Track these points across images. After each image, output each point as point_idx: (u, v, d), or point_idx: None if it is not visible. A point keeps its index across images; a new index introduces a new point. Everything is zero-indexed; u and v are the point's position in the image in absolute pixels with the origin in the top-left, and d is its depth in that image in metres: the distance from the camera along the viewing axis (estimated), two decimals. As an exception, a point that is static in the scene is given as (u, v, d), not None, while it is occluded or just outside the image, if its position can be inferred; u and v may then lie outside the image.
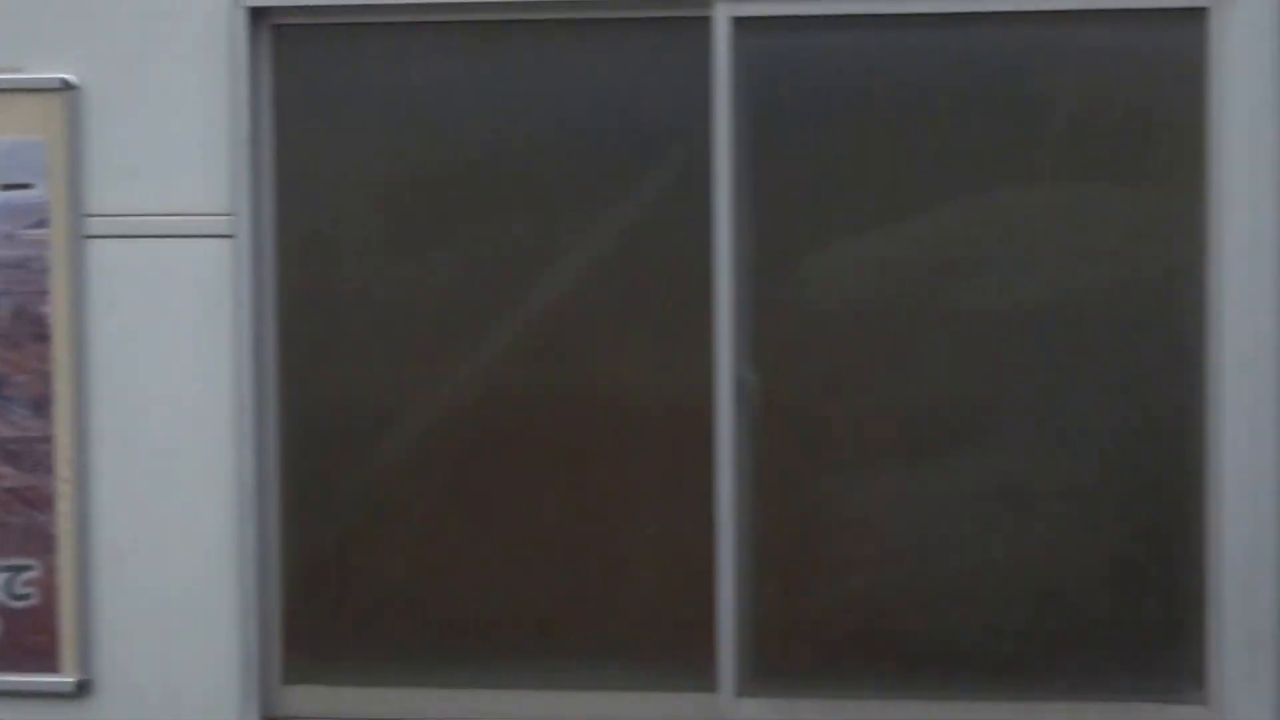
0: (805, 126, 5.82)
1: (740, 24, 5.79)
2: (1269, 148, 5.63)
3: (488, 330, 5.92)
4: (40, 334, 5.95)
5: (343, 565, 6.01)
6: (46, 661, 6.00)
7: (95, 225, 5.92)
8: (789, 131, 5.82)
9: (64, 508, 5.95)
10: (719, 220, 5.81)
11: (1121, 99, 5.74)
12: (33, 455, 5.96)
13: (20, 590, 5.98)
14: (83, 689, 5.97)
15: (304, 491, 5.99)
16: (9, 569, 5.97)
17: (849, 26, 5.78)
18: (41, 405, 5.95)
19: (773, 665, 5.87)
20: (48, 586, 5.97)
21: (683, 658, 5.88)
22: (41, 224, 5.92)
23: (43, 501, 5.96)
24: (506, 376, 5.93)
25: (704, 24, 5.81)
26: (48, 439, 5.95)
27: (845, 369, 5.84)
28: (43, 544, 5.96)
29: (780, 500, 5.86)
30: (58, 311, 5.94)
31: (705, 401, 5.84)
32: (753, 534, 5.85)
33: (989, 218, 5.79)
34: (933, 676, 5.83)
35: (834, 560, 5.86)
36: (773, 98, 5.82)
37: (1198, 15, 5.69)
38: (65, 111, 5.91)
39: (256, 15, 5.89)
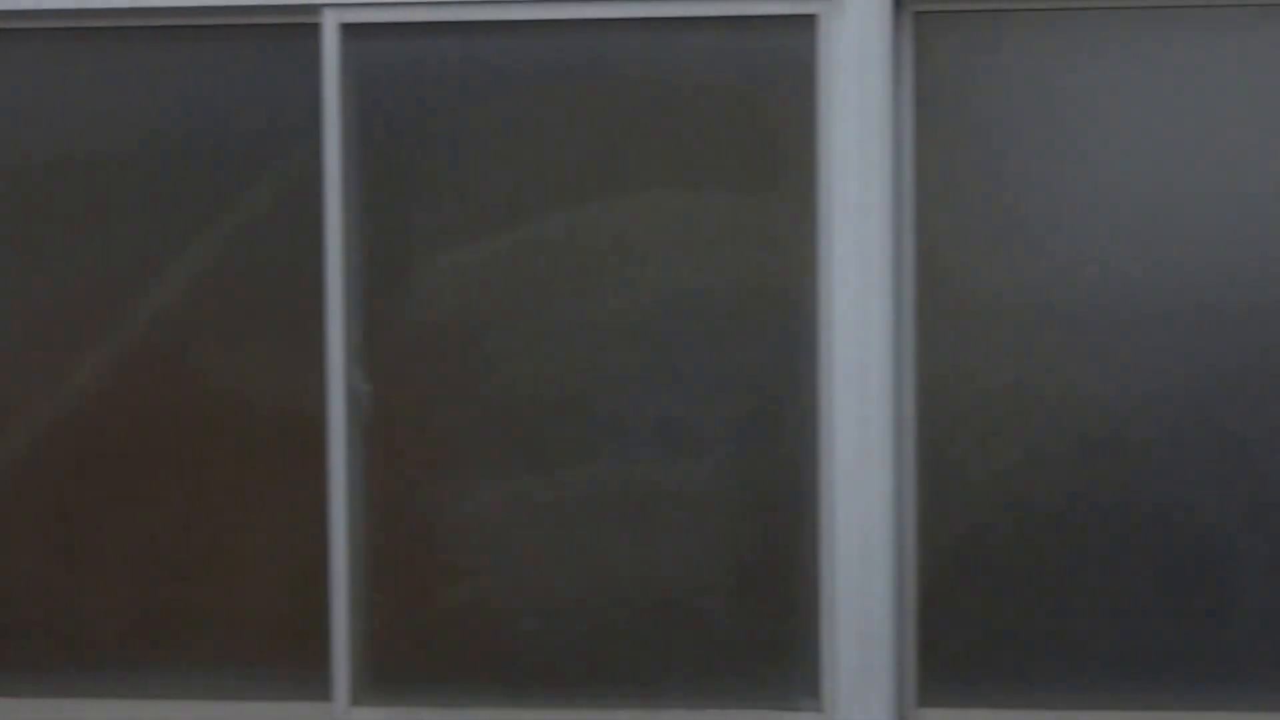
0: (417, 134, 5.78)
1: (349, 30, 5.75)
2: (879, 154, 5.62)
3: (97, 338, 5.87)
4: None
5: (-48, 575, 5.98)
6: None
7: None
8: (400, 139, 5.79)
9: None
10: (330, 228, 5.77)
11: (733, 107, 5.73)
12: None
13: None
14: None
15: (-88, 501, 5.96)
16: None
17: (458, 33, 5.74)
18: None
19: (387, 674, 5.85)
20: None
21: (297, 666, 5.86)
22: None
23: None
24: (117, 384, 5.88)
25: (313, 30, 5.77)
26: None
27: (459, 377, 5.82)
28: None
29: (394, 509, 5.84)
30: None
31: (318, 410, 5.81)
32: (366, 543, 5.83)
33: (602, 225, 5.77)
34: (549, 684, 5.82)
35: (449, 569, 5.84)
36: (383, 105, 5.78)
37: (807, 22, 5.68)
38: None
39: None
